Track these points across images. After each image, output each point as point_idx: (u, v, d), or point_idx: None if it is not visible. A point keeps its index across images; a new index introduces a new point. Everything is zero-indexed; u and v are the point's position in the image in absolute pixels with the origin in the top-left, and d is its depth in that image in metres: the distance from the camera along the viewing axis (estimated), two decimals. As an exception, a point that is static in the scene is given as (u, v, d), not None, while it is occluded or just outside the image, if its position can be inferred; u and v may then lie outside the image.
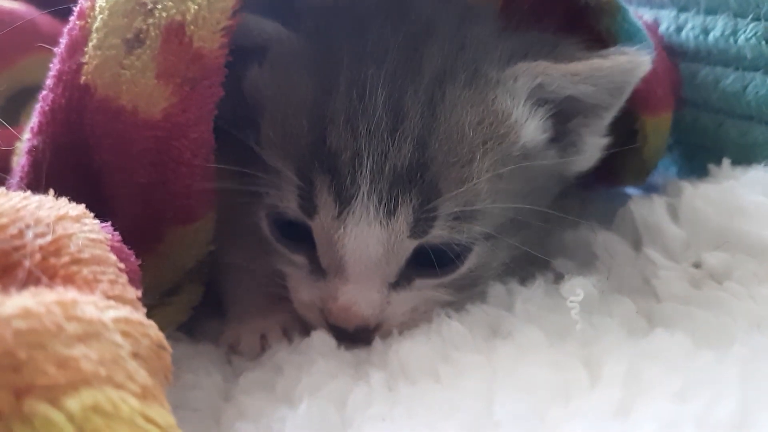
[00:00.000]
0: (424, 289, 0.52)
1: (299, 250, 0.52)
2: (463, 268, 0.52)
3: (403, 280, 0.51)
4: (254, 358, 0.52)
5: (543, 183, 0.53)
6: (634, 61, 0.50)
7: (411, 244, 0.49)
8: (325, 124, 0.48)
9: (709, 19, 0.62)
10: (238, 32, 0.47)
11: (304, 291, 0.52)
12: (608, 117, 0.54)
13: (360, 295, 0.49)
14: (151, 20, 0.47)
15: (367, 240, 0.48)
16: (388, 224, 0.48)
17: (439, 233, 0.49)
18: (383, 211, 0.47)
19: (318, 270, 0.51)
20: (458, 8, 0.53)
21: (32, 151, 0.50)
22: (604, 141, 0.55)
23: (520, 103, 0.50)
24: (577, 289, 0.46)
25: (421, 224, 0.48)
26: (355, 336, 0.50)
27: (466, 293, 0.53)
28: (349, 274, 0.49)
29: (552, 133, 0.53)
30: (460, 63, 0.50)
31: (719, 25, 0.61)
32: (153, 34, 0.46)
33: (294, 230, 0.51)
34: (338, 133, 0.47)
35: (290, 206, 0.50)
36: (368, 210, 0.47)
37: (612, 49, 0.52)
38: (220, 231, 0.53)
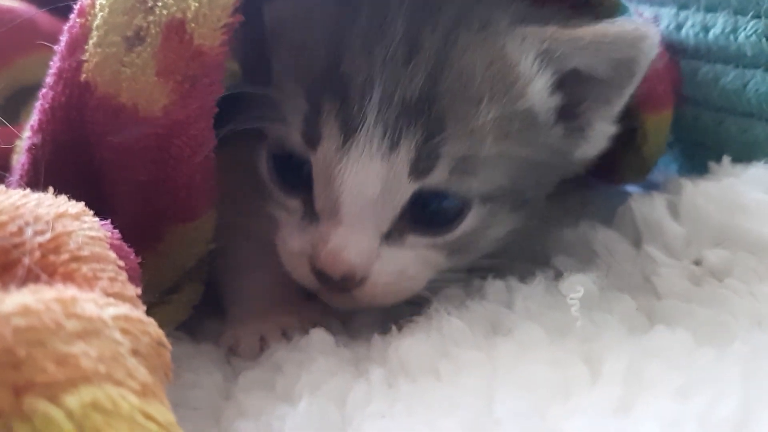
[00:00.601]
0: (417, 247, 0.51)
1: (295, 194, 0.52)
2: (459, 230, 0.51)
3: (395, 233, 0.50)
4: (253, 359, 0.52)
5: (546, 161, 0.52)
6: (640, 31, 0.50)
7: (410, 187, 0.48)
8: (341, 50, 0.48)
9: (709, 16, 0.62)
10: None
11: (294, 238, 0.51)
12: (618, 104, 0.53)
13: (351, 240, 0.48)
14: (151, 18, 0.47)
15: (366, 175, 0.47)
16: (389, 158, 0.47)
17: (439, 177, 0.48)
18: (387, 143, 0.47)
19: (311, 214, 0.51)
20: None
21: (32, 149, 0.50)
22: (612, 129, 0.55)
23: (527, 58, 0.50)
24: (577, 286, 0.46)
25: (422, 162, 0.47)
26: (339, 286, 0.50)
27: (457, 258, 0.52)
28: (343, 215, 0.48)
29: (561, 112, 0.53)
30: (476, 12, 0.50)
31: (719, 23, 0.61)
32: (153, 31, 0.46)
33: (292, 175, 0.51)
34: (353, 58, 0.47)
35: (293, 137, 0.49)
36: (372, 141, 0.47)
37: (620, 18, 0.52)
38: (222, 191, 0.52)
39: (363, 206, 0.48)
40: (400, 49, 0.47)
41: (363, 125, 0.47)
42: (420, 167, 0.47)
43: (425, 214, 0.50)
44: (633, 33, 0.50)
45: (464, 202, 0.50)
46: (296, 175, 0.51)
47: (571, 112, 0.53)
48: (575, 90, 0.52)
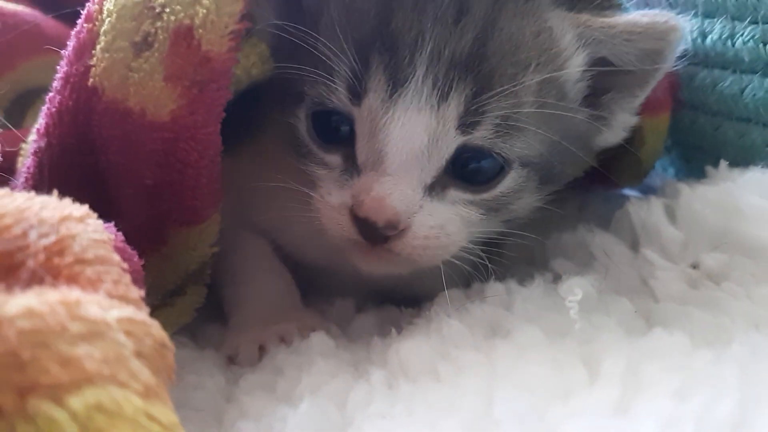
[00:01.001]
0: (457, 203, 0.51)
1: (334, 149, 0.52)
2: (497, 189, 0.52)
3: (438, 186, 0.51)
4: (252, 367, 0.52)
5: (572, 141, 0.53)
6: (671, 23, 0.51)
7: (455, 141, 0.49)
8: (391, 9, 0.49)
9: (706, 22, 0.63)
10: None
11: (334, 193, 0.52)
12: (641, 95, 0.55)
13: (396, 188, 0.49)
14: (159, 23, 0.47)
15: (414, 126, 0.48)
16: (438, 110, 0.48)
17: (484, 134, 0.49)
18: (436, 96, 0.48)
19: (351, 169, 0.51)
20: None
21: (38, 153, 0.51)
22: (634, 120, 0.56)
23: (568, 34, 0.52)
24: (576, 289, 0.47)
25: (470, 116, 0.48)
26: (380, 235, 0.50)
27: (491, 218, 0.53)
28: (388, 165, 0.49)
29: (586, 97, 0.54)
30: None
31: (717, 28, 0.62)
32: (161, 37, 0.47)
33: (332, 132, 0.52)
34: (404, 15, 0.48)
35: (337, 93, 0.49)
36: (421, 93, 0.48)
37: (651, 11, 0.53)
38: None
39: (408, 157, 0.49)
40: (451, 9, 0.49)
41: (413, 78, 0.47)
42: (467, 122, 0.48)
43: (467, 170, 0.51)
44: (664, 25, 0.51)
45: (505, 162, 0.51)
46: (336, 133, 0.51)
47: (595, 102, 0.55)
48: (602, 81, 0.54)
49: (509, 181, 0.52)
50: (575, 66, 0.52)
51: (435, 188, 0.50)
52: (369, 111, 0.49)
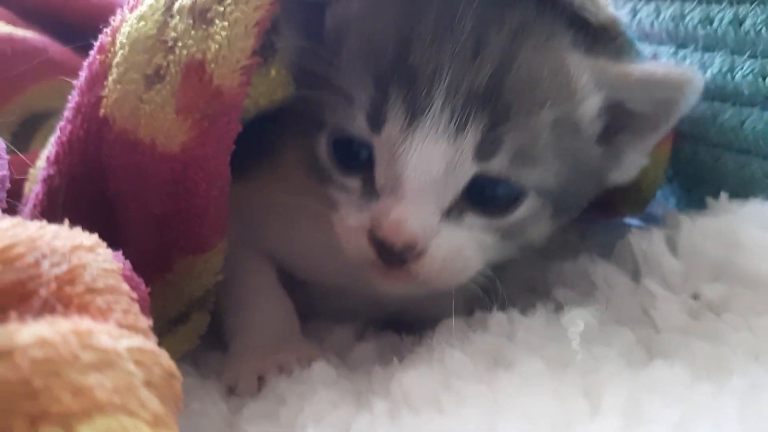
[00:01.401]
0: (473, 228, 0.52)
1: (354, 173, 0.53)
2: (513, 216, 0.53)
3: (455, 211, 0.52)
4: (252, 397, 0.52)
5: (585, 175, 0.55)
6: (686, 75, 0.52)
7: (472, 168, 0.50)
8: (410, 43, 0.50)
9: (707, 55, 0.64)
10: None
11: (352, 215, 0.53)
12: (653, 139, 0.56)
13: (413, 212, 0.50)
14: (171, 57, 0.48)
15: (431, 154, 0.49)
16: (455, 140, 0.49)
17: (500, 164, 0.50)
18: (454, 126, 0.49)
19: (370, 192, 0.52)
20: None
21: (47, 180, 0.51)
22: (644, 161, 0.58)
23: (584, 76, 0.53)
24: (578, 320, 0.47)
25: (486, 146, 0.49)
26: (398, 257, 0.50)
27: (507, 244, 0.54)
28: (406, 191, 0.50)
29: (600, 135, 0.55)
30: (539, 25, 0.53)
31: (717, 62, 0.63)
32: (173, 70, 0.48)
33: (351, 158, 0.53)
34: (423, 50, 0.49)
35: (357, 121, 0.51)
36: (438, 123, 0.49)
37: (666, 62, 0.55)
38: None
39: (425, 183, 0.50)
40: (468, 44, 0.50)
41: (430, 108, 0.48)
42: (484, 151, 0.49)
43: (483, 197, 0.51)
44: (679, 77, 0.53)
45: (520, 191, 0.52)
46: (355, 158, 0.52)
47: (609, 140, 0.56)
48: (616, 121, 0.55)
49: (525, 208, 0.53)
50: (591, 106, 0.54)
51: (452, 213, 0.51)
52: (388, 139, 0.50)
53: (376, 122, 0.50)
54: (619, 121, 0.55)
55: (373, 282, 0.54)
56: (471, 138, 0.49)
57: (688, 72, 0.53)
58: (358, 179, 0.53)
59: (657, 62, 0.55)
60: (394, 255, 0.50)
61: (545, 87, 0.51)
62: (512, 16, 0.52)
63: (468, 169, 0.50)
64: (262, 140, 0.57)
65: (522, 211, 0.53)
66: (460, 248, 0.52)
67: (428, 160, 0.49)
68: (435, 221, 0.51)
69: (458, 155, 0.49)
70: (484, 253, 0.54)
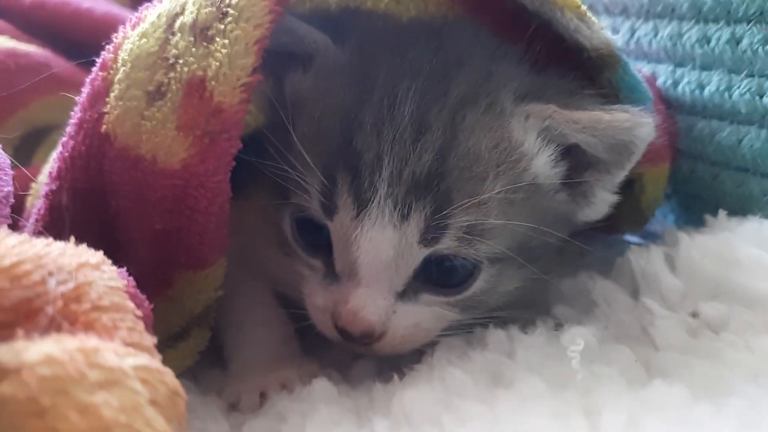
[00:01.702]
0: (431, 304, 0.54)
1: (317, 254, 0.55)
2: (470, 291, 0.54)
3: (410, 291, 0.53)
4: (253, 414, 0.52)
5: (551, 223, 0.55)
6: (633, 120, 0.52)
7: (421, 253, 0.51)
8: (354, 128, 0.51)
9: (704, 74, 0.65)
10: (288, 37, 0.52)
11: (318, 295, 0.54)
12: (619, 176, 0.56)
13: (369, 300, 0.51)
14: (172, 74, 0.49)
15: (380, 242, 0.50)
16: (400, 228, 0.50)
17: (448, 244, 0.51)
18: (397, 215, 0.50)
19: (332, 274, 0.54)
20: (491, 45, 0.56)
21: (49, 195, 0.52)
22: (613, 198, 0.57)
23: (531, 137, 0.53)
24: (578, 338, 0.47)
25: (431, 232, 0.50)
26: (360, 340, 0.52)
27: (470, 314, 0.55)
28: (361, 277, 0.51)
29: (565, 177, 0.55)
30: (483, 92, 0.53)
31: (714, 81, 0.64)
32: (174, 87, 0.48)
33: (314, 236, 0.54)
34: (365, 135, 0.50)
35: (313, 205, 0.52)
36: (383, 213, 0.50)
37: (616, 106, 0.54)
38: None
39: (378, 269, 0.51)
40: (409, 129, 0.50)
41: (375, 198, 0.50)
42: (429, 237, 0.50)
43: (437, 274, 0.52)
44: (625, 122, 0.52)
45: (474, 265, 0.53)
46: (317, 238, 0.54)
47: (575, 179, 0.56)
48: (579, 159, 0.55)
49: (481, 282, 0.54)
50: (541, 164, 0.54)
51: (407, 293, 0.53)
52: (341, 226, 0.51)
53: (328, 209, 0.51)
54: (583, 161, 0.55)
55: (344, 347, 0.56)
56: (415, 225, 0.50)
57: (633, 117, 0.52)
58: (320, 261, 0.55)
59: (609, 107, 0.54)
60: (354, 339, 0.52)
61: (487, 162, 0.51)
62: (457, 85, 0.52)
63: (417, 254, 0.51)
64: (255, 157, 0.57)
65: (478, 284, 0.54)
66: (417, 324, 0.53)
67: (377, 247, 0.50)
68: (390, 305, 0.52)
69: (404, 242, 0.50)
70: (445, 321, 0.55)
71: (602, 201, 0.57)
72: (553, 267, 0.57)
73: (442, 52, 0.54)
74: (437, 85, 0.52)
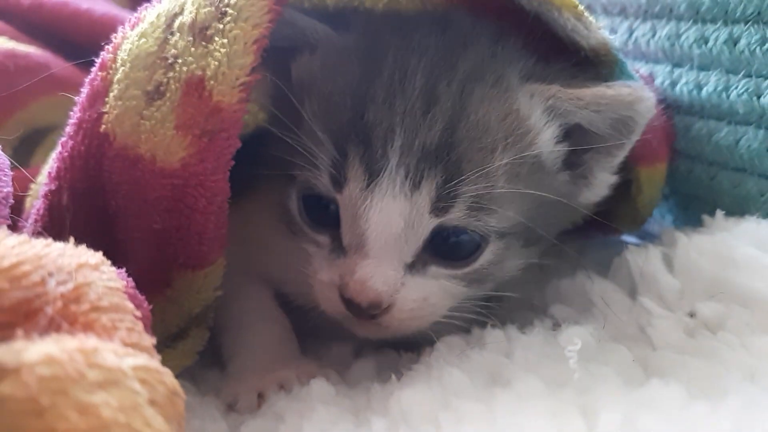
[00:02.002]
0: (439, 277, 0.54)
1: (323, 230, 0.55)
2: (477, 263, 0.54)
3: (418, 263, 0.53)
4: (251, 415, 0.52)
5: (554, 202, 0.55)
6: (635, 94, 0.53)
7: (430, 223, 0.51)
8: (365, 102, 0.51)
9: (702, 74, 0.65)
10: (289, 31, 0.53)
11: (324, 270, 0.55)
12: (619, 156, 0.57)
13: (377, 270, 0.52)
14: (171, 74, 0.49)
15: (390, 213, 0.51)
16: (411, 197, 0.50)
17: (457, 215, 0.51)
18: (408, 185, 0.50)
19: (339, 249, 0.54)
20: (494, 30, 0.57)
21: (48, 196, 0.52)
22: (613, 179, 0.58)
23: (536, 112, 0.54)
24: (575, 338, 0.48)
25: (442, 202, 0.51)
26: (367, 313, 0.52)
27: (476, 288, 0.56)
28: (369, 248, 0.52)
29: (566, 159, 0.56)
30: (490, 68, 0.54)
31: (712, 81, 0.64)
32: (173, 87, 0.48)
33: (320, 213, 0.54)
34: (376, 108, 0.51)
35: (322, 179, 0.52)
36: (395, 182, 0.50)
37: (618, 82, 0.55)
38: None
39: (387, 240, 0.51)
40: (420, 101, 0.51)
41: (386, 168, 0.50)
42: (440, 206, 0.51)
43: (446, 247, 0.53)
44: (628, 96, 0.53)
45: (482, 237, 0.53)
46: (324, 213, 0.54)
47: (575, 161, 0.57)
48: (580, 140, 0.56)
49: (488, 254, 0.54)
50: (546, 140, 0.55)
51: (416, 266, 0.53)
52: (350, 198, 0.52)
53: (338, 182, 0.52)
54: (583, 141, 0.56)
55: (349, 328, 0.56)
56: (426, 194, 0.50)
57: (636, 91, 0.53)
58: (327, 236, 0.55)
59: (609, 84, 0.55)
60: (362, 311, 0.52)
61: (495, 134, 0.52)
62: (465, 61, 0.53)
63: (426, 224, 0.51)
64: (255, 160, 0.58)
65: (486, 257, 0.54)
66: (425, 298, 0.54)
67: (387, 217, 0.51)
68: (399, 277, 0.52)
69: (415, 211, 0.51)
70: (452, 298, 0.55)
71: (602, 182, 0.58)
72: (552, 255, 0.57)
73: (448, 34, 0.55)
74: (445, 61, 0.53)
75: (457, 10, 0.58)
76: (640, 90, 0.54)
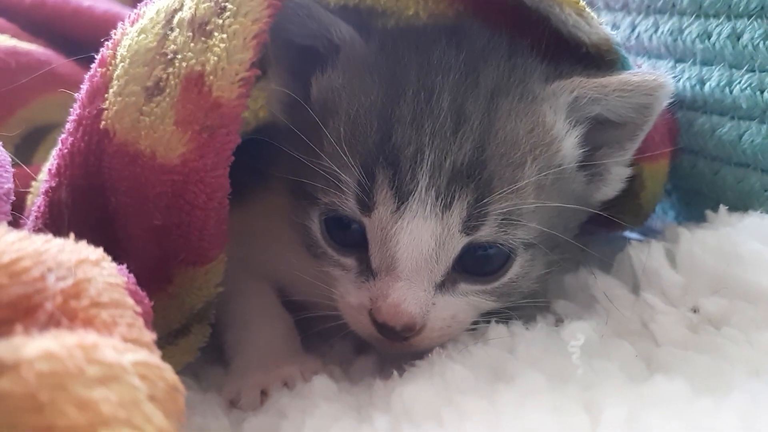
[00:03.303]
0: (468, 294, 0.54)
1: (349, 252, 0.55)
2: (506, 277, 0.54)
3: (448, 282, 0.53)
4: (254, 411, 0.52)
5: (573, 207, 0.56)
6: (660, 80, 0.54)
7: (461, 241, 0.51)
8: (392, 123, 0.51)
9: (705, 69, 0.64)
10: (314, 26, 0.53)
11: (352, 294, 0.54)
12: (631, 148, 0.58)
13: (409, 293, 0.51)
14: (171, 69, 0.49)
15: (421, 234, 0.50)
16: (442, 218, 0.50)
17: (487, 231, 0.51)
18: (440, 205, 0.50)
19: (366, 271, 0.54)
20: (506, 40, 0.57)
21: (49, 192, 0.52)
22: (628, 171, 0.59)
23: (561, 118, 0.55)
24: (578, 333, 0.47)
25: (473, 220, 0.50)
26: (400, 335, 0.52)
27: (504, 301, 0.55)
28: (400, 271, 0.51)
29: (581, 160, 0.57)
30: (512, 81, 0.54)
31: (715, 76, 0.63)
32: (173, 82, 0.48)
33: (344, 234, 0.54)
34: (404, 130, 0.51)
35: (348, 203, 0.52)
36: (425, 204, 0.50)
37: (638, 70, 0.56)
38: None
39: (418, 261, 0.51)
40: (449, 120, 0.51)
41: (416, 190, 0.50)
42: (470, 225, 0.51)
43: (475, 263, 0.53)
44: (653, 82, 0.54)
45: (510, 250, 0.53)
46: (347, 233, 0.54)
47: (589, 161, 0.57)
48: (594, 138, 0.56)
49: (517, 267, 0.54)
50: (569, 146, 0.55)
51: (446, 284, 0.53)
52: (379, 221, 0.51)
53: (366, 205, 0.51)
54: (597, 139, 0.56)
55: (378, 346, 0.56)
56: (457, 215, 0.50)
57: (660, 77, 0.54)
58: (353, 258, 0.55)
59: (634, 71, 0.56)
60: (396, 334, 0.52)
61: (523, 148, 0.52)
62: (486, 76, 0.53)
63: (457, 243, 0.51)
64: (261, 161, 0.58)
65: (515, 270, 0.54)
66: (454, 315, 0.54)
67: (418, 239, 0.51)
68: (430, 298, 0.52)
69: (446, 232, 0.51)
70: (479, 312, 0.55)
71: (617, 176, 0.58)
72: (568, 254, 0.58)
73: (465, 50, 0.55)
74: (468, 78, 0.53)
75: (457, 12, 0.58)
76: (663, 77, 0.54)
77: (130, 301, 0.36)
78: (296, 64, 0.56)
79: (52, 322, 0.32)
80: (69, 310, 0.33)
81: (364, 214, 0.52)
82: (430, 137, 0.50)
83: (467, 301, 0.54)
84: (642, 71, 0.55)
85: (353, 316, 0.55)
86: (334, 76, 0.55)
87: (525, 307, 0.57)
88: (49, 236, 0.37)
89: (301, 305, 0.62)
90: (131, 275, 0.40)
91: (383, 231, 0.51)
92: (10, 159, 0.50)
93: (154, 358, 0.33)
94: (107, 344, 0.31)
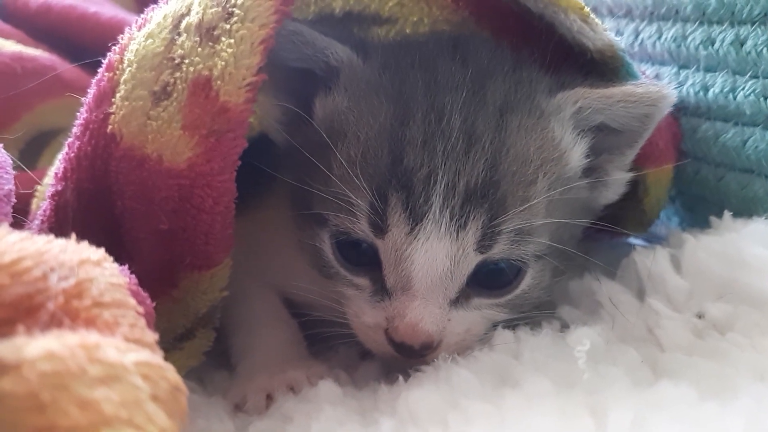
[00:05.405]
0: (481, 307, 0.54)
1: (362, 272, 0.54)
2: (518, 289, 0.54)
3: (462, 297, 0.53)
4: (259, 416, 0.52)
5: (579, 216, 0.56)
6: (663, 92, 0.55)
7: (475, 259, 0.51)
8: (403, 146, 0.51)
9: (708, 76, 0.64)
10: (309, 52, 0.53)
11: (367, 314, 0.54)
12: (631, 153, 0.58)
13: (426, 311, 0.51)
14: (178, 74, 0.49)
15: (436, 254, 0.50)
16: (457, 238, 0.50)
17: (501, 248, 0.51)
18: (455, 226, 0.50)
19: (381, 291, 0.53)
20: (509, 54, 0.57)
21: (55, 196, 0.52)
22: (628, 175, 0.59)
23: (567, 131, 0.55)
24: (584, 338, 0.47)
25: (486, 239, 0.50)
26: (417, 353, 0.52)
27: (516, 312, 0.56)
28: (416, 290, 0.51)
29: (585, 165, 0.57)
30: (519, 97, 0.54)
31: (718, 82, 0.63)
32: (180, 87, 0.48)
33: (356, 254, 0.54)
34: (416, 153, 0.50)
35: (360, 226, 0.52)
36: (440, 225, 0.50)
37: (644, 80, 0.57)
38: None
39: (433, 280, 0.51)
40: (461, 141, 0.51)
41: (430, 212, 0.50)
42: (485, 244, 0.51)
43: (487, 278, 0.53)
44: (656, 93, 0.55)
45: (522, 263, 0.53)
46: (359, 253, 0.54)
47: (591, 167, 0.58)
48: (595, 145, 0.57)
49: (529, 279, 0.55)
50: (576, 158, 0.56)
51: (459, 300, 0.53)
52: (393, 243, 0.51)
53: (380, 228, 0.51)
54: (598, 145, 0.57)
55: (392, 363, 0.55)
56: (472, 234, 0.50)
57: (664, 88, 0.55)
58: (367, 278, 0.54)
59: (638, 82, 0.57)
60: (414, 352, 0.52)
61: (535, 164, 0.52)
62: (494, 93, 0.53)
63: (471, 261, 0.52)
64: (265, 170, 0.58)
65: (527, 282, 0.55)
66: (468, 329, 0.54)
67: (433, 259, 0.51)
68: (446, 314, 0.52)
69: (461, 251, 0.51)
70: (491, 323, 0.55)
71: (617, 180, 0.59)
72: (573, 262, 0.58)
73: (470, 66, 0.55)
74: (475, 97, 0.53)
75: (462, 18, 0.58)
76: (665, 88, 0.55)
77: (132, 301, 0.36)
78: (291, 84, 0.56)
79: (54, 322, 0.32)
80: (71, 310, 0.33)
81: (378, 236, 0.52)
82: (443, 159, 0.50)
83: (481, 314, 0.54)
84: (645, 82, 0.56)
85: (368, 335, 0.55)
86: (339, 98, 0.55)
87: (534, 316, 0.56)
88: (51, 237, 0.37)
89: (308, 305, 0.62)
90: (133, 276, 0.40)
91: (397, 252, 0.51)
92: (10, 161, 0.51)
93: (156, 358, 0.33)
94: (109, 344, 0.31)
